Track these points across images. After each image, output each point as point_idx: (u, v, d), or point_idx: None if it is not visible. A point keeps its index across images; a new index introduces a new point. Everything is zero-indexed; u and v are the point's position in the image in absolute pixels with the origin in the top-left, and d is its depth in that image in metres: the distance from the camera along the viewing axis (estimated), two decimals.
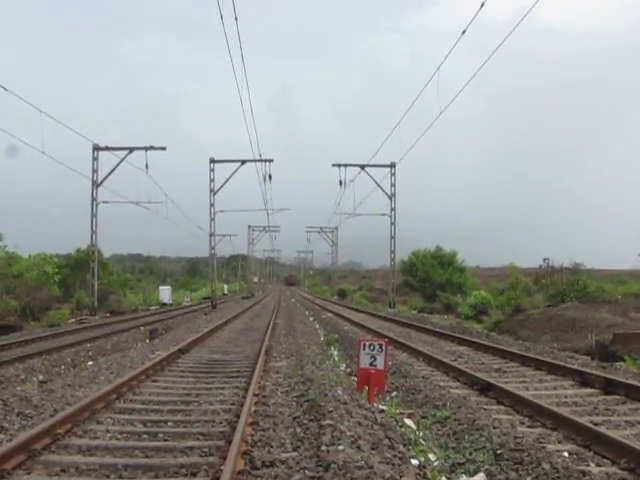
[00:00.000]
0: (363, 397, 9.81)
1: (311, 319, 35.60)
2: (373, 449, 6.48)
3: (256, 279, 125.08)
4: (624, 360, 15.46)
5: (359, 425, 7.36)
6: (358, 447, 6.39)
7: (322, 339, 22.90)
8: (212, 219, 42.91)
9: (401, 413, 9.49)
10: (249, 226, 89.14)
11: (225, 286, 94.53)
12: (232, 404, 9.84)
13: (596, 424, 8.20)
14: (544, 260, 59.69)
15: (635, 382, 11.22)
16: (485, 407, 9.73)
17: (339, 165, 46.09)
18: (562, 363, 13.98)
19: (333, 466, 5.82)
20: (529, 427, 8.45)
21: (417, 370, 13.71)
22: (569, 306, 26.75)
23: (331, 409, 7.96)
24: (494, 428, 7.92)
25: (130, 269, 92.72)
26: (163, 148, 36.06)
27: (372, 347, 10.07)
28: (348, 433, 6.84)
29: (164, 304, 51.56)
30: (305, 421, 8.00)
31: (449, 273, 57.83)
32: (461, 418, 8.62)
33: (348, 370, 15.01)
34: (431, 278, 57.33)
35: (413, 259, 60.50)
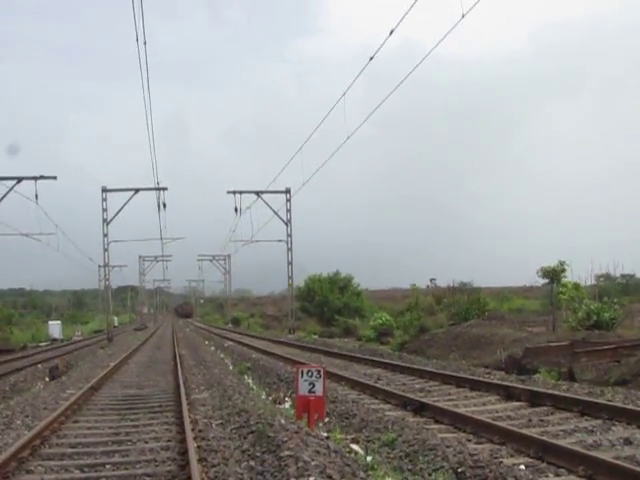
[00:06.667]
0: (304, 424, 9.62)
1: (213, 348, 34.97)
2: (342, 477, 6.33)
3: (146, 310, 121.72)
4: (536, 372, 16.02)
5: (318, 454, 7.18)
6: (330, 477, 6.21)
7: (231, 368, 22.47)
8: (105, 249, 41.52)
9: (344, 439, 9.37)
10: (140, 256, 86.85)
11: (115, 318, 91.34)
12: (168, 440, 9.43)
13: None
14: (430, 280, 61.59)
15: (559, 392, 11.64)
16: (426, 427, 9.77)
17: (234, 192, 45.72)
18: (483, 379, 14.33)
19: None
20: (477, 444, 8.54)
21: (343, 394, 13.60)
22: (472, 324, 27.57)
23: (285, 439, 7.73)
24: (447, 447, 7.93)
25: (12, 304, 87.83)
26: (54, 177, 34.58)
27: (310, 374, 9.91)
28: (313, 463, 6.65)
29: (54, 339, 49.29)
30: (257, 454, 7.73)
31: (347, 297, 58.42)
32: (409, 439, 8.58)
33: (270, 398, 14.75)
34: (329, 302, 57.70)
35: (310, 284, 60.77)
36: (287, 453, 7.06)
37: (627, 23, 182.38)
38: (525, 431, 8.52)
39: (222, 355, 29.46)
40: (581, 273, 39.53)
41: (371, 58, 17.16)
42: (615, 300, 25.64)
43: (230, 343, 37.69)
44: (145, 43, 16.91)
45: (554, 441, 7.85)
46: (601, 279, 45.67)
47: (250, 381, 18.50)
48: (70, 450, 9.11)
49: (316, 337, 43.66)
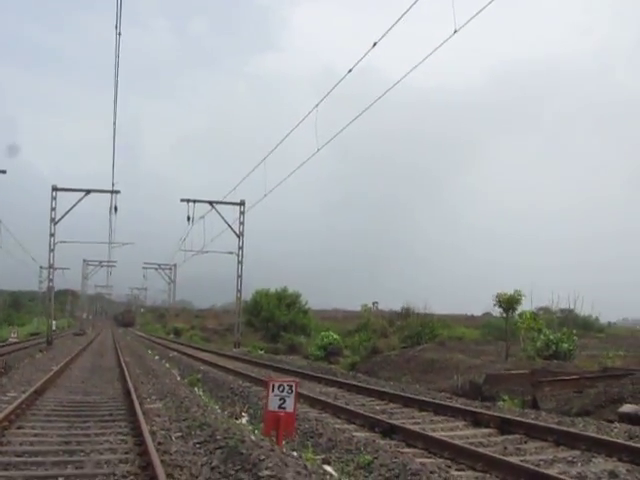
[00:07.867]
0: (273, 442, 9.07)
1: (157, 358, 34.04)
2: None
3: (85, 315, 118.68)
4: (496, 399, 15.78)
5: (299, 475, 6.64)
6: None
7: (179, 379, 21.69)
8: (52, 250, 40.08)
9: (315, 459, 8.84)
10: (84, 260, 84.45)
11: (54, 322, 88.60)
12: (125, 452, 8.74)
13: None
14: (373, 303, 61.50)
15: (530, 420, 11.32)
16: (399, 450, 9.31)
17: (187, 200, 44.83)
18: (446, 403, 13.96)
19: None
20: (459, 470, 8.12)
21: (305, 412, 13.06)
22: (425, 348, 27.34)
23: (262, 457, 7.16)
24: (430, 473, 7.48)
25: None
26: (3, 171, 33.25)
27: (282, 388, 9.37)
28: None
29: None
30: (231, 472, 7.14)
31: (294, 314, 57.76)
32: (387, 463, 8.09)
33: (226, 413, 14.12)
34: (275, 318, 56.93)
35: (257, 298, 59.93)
36: (267, 473, 6.51)
37: (581, 67, 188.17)
38: (510, 459, 8.13)
39: (168, 365, 28.61)
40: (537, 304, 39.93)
41: (349, 70, 16.81)
42: (574, 331, 25.80)
43: (175, 354, 36.77)
44: (120, 34, 16.22)
45: (546, 471, 7.48)
46: (541, 312, 46.18)
47: (201, 393, 17.82)
48: (16, 459, 8.33)
49: (262, 352, 42.88)
